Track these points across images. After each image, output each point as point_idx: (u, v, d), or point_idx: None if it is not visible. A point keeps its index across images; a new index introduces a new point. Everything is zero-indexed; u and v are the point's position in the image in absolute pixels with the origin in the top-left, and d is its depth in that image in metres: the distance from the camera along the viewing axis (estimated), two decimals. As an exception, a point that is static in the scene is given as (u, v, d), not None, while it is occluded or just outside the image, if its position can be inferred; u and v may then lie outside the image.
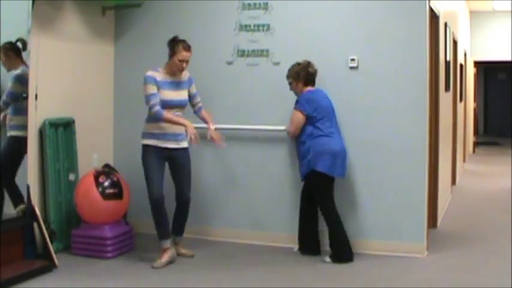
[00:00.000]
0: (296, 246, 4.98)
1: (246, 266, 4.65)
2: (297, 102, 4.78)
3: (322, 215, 4.80)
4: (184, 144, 4.71)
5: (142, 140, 4.66)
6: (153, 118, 4.59)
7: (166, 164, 4.74)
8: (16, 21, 4.46)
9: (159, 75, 4.60)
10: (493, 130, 17.74)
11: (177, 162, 4.73)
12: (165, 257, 4.60)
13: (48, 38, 4.88)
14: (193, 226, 5.21)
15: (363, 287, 4.22)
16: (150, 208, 4.63)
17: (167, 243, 4.64)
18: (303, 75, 4.75)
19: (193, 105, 4.84)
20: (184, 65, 4.62)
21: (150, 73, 4.59)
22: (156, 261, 4.58)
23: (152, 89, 4.54)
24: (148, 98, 4.55)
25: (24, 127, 4.60)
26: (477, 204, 7.24)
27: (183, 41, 4.63)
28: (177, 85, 4.65)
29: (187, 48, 4.60)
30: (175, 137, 4.63)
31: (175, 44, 4.60)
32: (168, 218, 4.69)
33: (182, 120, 4.56)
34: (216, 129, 4.82)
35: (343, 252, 4.70)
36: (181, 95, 4.67)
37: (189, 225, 4.98)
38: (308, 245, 4.92)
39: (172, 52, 4.59)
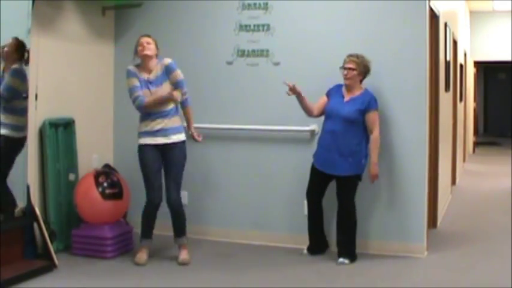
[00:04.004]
0: (305, 248, 4.93)
1: (246, 266, 4.66)
2: (368, 102, 4.59)
3: (345, 214, 4.71)
4: (175, 138, 4.57)
5: (138, 140, 4.61)
6: (143, 115, 4.55)
7: None
8: (16, 21, 4.45)
9: (137, 72, 4.56)
10: (493, 130, 17.73)
11: (167, 160, 4.60)
12: (141, 254, 4.66)
13: (48, 38, 4.88)
14: (193, 226, 5.21)
15: (362, 287, 4.22)
16: (144, 209, 4.67)
17: (146, 242, 4.70)
18: (365, 71, 4.66)
19: None
20: (145, 44, 4.51)
21: (131, 67, 4.58)
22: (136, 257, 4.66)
23: (135, 81, 4.52)
24: (131, 90, 4.52)
25: (17, 128, 4.52)
26: (477, 204, 7.24)
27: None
28: (155, 82, 4.52)
29: (143, 35, 4.58)
30: (164, 131, 4.53)
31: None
32: (155, 221, 4.72)
33: (160, 92, 4.46)
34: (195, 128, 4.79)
35: (355, 250, 4.74)
36: (161, 91, 4.51)
37: (189, 224, 4.97)
38: (318, 244, 4.91)
39: (135, 49, 4.57)
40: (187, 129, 4.75)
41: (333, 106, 4.70)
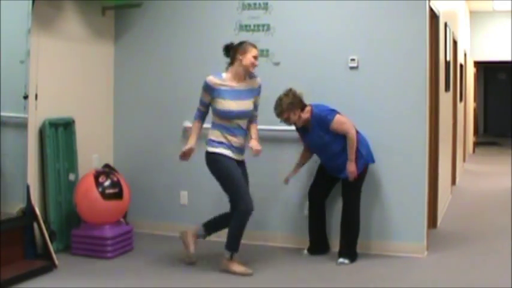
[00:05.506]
0: (305, 249, 4.95)
1: (246, 266, 4.65)
2: (321, 121, 4.58)
3: (349, 213, 4.72)
4: (243, 157, 4.53)
5: (211, 148, 4.39)
6: (217, 126, 4.40)
7: None
8: (16, 21, 4.45)
9: (220, 82, 4.38)
10: (493, 130, 17.74)
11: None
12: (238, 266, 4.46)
13: (48, 38, 4.88)
14: (193, 226, 5.21)
15: (362, 287, 4.23)
16: (239, 219, 4.38)
17: (237, 255, 4.49)
18: (297, 102, 4.59)
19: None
20: (257, 62, 4.41)
21: (208, 79, 4.37)
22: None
23: (203, 96, 4.42)
24: (199, 103, 4.46)
25: None
26: (477, 204, 7.24)
27: (247, 41, 4.49)
28: (239, 94, 4.39)
29: (255, 46, 4.44)
30: (241, 150, 4.47)
31: (241, 45, 4.41)
32: None
33: (190, 139, 4.45)
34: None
35: (355, 250, 4.75)
36: (243, 105, 4.39)
37: (189, 224, 4.97)
38: (319, 245, 4.92)
39: (242, 52, 4.35)
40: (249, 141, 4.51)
41: (306, 140, 4.79)
